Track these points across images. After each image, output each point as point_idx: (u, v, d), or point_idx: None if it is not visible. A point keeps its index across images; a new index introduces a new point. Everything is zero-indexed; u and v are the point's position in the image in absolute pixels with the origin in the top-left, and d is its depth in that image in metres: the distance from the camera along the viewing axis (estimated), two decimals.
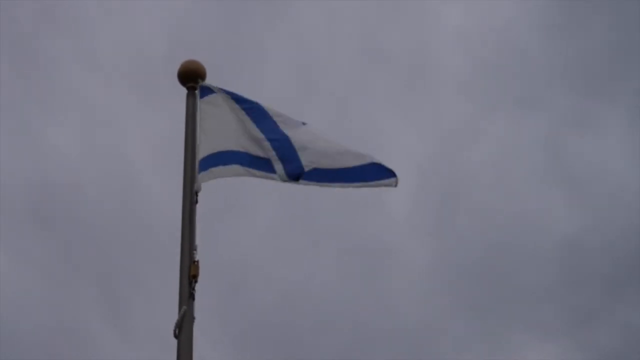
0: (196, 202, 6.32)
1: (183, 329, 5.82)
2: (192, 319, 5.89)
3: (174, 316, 5.90)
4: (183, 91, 6.89)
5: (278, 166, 6.62)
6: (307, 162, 6.67)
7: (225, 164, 6.59)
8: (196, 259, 6.04)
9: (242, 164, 6.65)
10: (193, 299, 5.94)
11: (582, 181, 21.51)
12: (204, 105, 6.75)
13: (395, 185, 6.78)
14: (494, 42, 22.41)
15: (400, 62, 22.31)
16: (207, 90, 6.86)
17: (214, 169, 6.49)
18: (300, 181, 6.64)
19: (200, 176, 6.37)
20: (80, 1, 20.83)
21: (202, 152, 6.51)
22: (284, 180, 6.65)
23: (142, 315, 17.40)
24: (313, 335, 18.60)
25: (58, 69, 20.82)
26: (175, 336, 5.81)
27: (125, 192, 19.19)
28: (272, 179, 6.66)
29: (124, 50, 21.28)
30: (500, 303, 19.86)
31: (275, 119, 6.87)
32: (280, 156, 6.66)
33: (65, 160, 19.89)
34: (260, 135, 6.73)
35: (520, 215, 20.92)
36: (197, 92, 6.80)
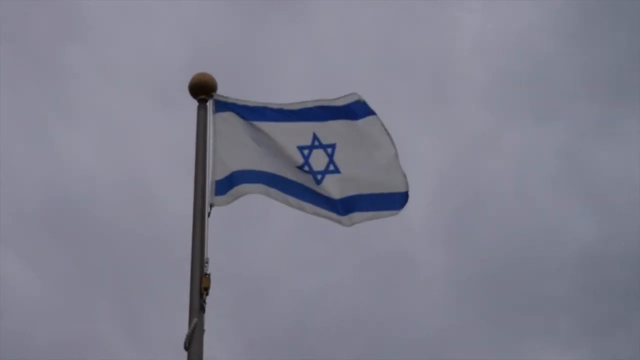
0: (209, 215, 6.34)
1: (193, 341, 5.84)
2: (203, 331, 5.91)
3: (186, 327, 5.91)
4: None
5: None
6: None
7: (247, 182, 6.63)
8: (207, 272, 6.07)
9: (267, 184, 6.67)
10: (204, 311, 5.96)
11: (601, 190, 21.38)
12: (219, 121, 6.75)
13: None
14: (514, 51, 22.36)
15: (418, 70, 22.30)
16: (222, 106, 6.83)
17: (237, 188, 6.57)
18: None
19: (221, 198, 6.45)
20: (99, 11, 20.98)
21: (219, 173, 6.55)
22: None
23: (156, 326, 17.47)
24: (329, 344, 18.59)
25: (76, 79, 20.97)
26: (186, 348, 5.84)
27: (141, 203, 19.28)
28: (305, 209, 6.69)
29: (141, 60, 21.41)
30: (517, 312, 19.77)
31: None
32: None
33: (82, 170, 20.03)
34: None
35: (538, 225, 20.82)
36: (208, 104, 6.82)
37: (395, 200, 6.68)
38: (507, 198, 21.26)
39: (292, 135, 6.76)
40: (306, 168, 6.68)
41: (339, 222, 6.66)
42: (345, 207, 6.62)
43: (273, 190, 6.67)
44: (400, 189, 6.70)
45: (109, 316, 18.49)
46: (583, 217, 21.14)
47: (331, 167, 6.70)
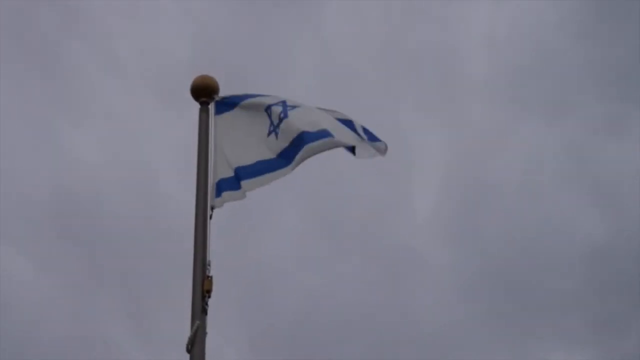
0: (210, 217, 6.33)
1: (196, 344, 5.82)
2: (205, 333, 5.89)
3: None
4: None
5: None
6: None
7: (232, 187, 6.60)
8: (210, 274, 6.05)
9: (257, 174, 6.64)
10: (206, 313, 5.94)
11: (609, 187, 21.32)
12: (220, 123, 6.76)
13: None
14: (523, 47, 22.30)
15: (427, 66, 22.25)
16: (223, 107, 6.84)
17: (230, 193, 6.54)
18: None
19: (219, 199, 6.43)
20: (105, 9, 20.97)
21: (220, 174, 6.55)
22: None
23: (161, 327, 17.48)
24: (335, 341, 18.60)
25: (82, 77, 20.98)
26: (188, 351, 5.82)
27: (148, 201, 19.30)
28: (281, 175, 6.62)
29: (147, 58, 21.41)
30: (525, 310, 19.73)
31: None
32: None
33: (88, 169, 20.02)
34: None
35: (547, 221, 20.79)
36: (210, 107, 6.82)
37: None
38: (514, 194, 21.25)
39: (263, 101, 6.85)
40: (271, 128, 6.72)
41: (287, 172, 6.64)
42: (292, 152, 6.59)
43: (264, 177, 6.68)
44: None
45: (114, 315, 18.53)
46: (591, 213, 21.11)
47: (282, 115, 6.69)
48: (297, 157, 6.48)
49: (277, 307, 18.68)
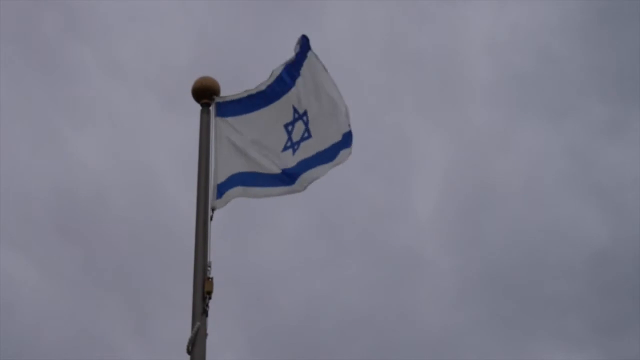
0: (211, 218, 6.34)
1: (196, 345, 5.83)
2: (205, 335, 5.90)
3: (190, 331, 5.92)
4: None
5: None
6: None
7: (232, 186, 6.63)
8: (210, 276, 6.06)
9: (245, 184, 6.69)
10: (206, 315, 5.95)
11: (611, 190, 21.33)
12: (220, 125, 6.75)
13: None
14: (524, 49, 22.30)
15: (428, 69, 22.27)
16: (225, 110, 6.82)
17: (228, 192, 6.56)
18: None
19: (219, 201, 6.44)
20: (107, 11, 21.00)
21: (220, 176, 6.55)
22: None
23: (161, 328, 17.50)
24: (337, 344, 18.60)
25: (84, 79, 20.99)
26: (189, 352, 5.83)
27: (149, 203, 19.31)
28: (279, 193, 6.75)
29: (149, 60, 21.42)
30: (526, 312, 19.75)
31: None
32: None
33: (90, 171, 20.04)
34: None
35: (548, 225, 20.79)
36: (211, 108, 6.80)
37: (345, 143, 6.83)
38: (516, 197, 21.25)
39: (280, 115, 6.88)
40: (288, 144, 6.80)
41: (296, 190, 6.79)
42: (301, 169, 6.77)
43: (250, 189, 6.74)
44: (344, 129, 6.85)
45: (115, 316, 18.55)
46: (593, 216, 21.11)
47: (305, 135, 6.83)
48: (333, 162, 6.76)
49: (277, 308, 18.72)
